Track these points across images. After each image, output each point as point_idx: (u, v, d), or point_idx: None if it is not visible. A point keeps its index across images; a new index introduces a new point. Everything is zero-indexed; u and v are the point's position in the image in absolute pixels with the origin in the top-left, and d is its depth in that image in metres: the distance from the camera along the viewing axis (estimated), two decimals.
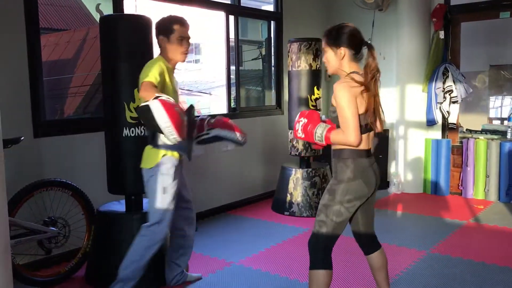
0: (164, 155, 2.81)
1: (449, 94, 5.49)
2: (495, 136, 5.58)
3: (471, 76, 7.08)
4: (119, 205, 3.38)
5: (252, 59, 6.43)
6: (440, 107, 5.58)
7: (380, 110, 2.45)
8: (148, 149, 2.87)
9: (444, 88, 5.49)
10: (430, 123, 5.66)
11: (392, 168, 6.04)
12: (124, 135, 3.11)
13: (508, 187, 5.25)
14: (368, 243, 2.57)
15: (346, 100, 2.24)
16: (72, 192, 3.34)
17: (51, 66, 6.18)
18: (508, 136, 5.51)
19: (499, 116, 7.61)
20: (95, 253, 3.29)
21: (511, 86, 7.42)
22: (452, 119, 5.66)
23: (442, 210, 5.01)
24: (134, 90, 3.08)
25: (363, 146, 2.36)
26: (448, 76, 5.48)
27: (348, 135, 2.27)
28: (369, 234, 2.56)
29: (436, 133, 5.79)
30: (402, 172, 5.86)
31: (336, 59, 2.36)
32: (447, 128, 5.75)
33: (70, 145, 3.71)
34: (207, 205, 4.89)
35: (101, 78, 3.27)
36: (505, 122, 5.93)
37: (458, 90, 5.48)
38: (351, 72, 2.34)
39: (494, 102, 8.28)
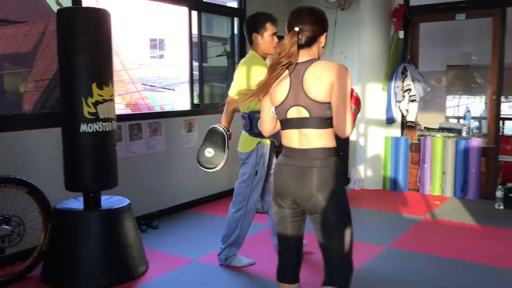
0: (258, 143, 3.26)
1: (408, 93, 5.63)
2: (451, 134, 5.76)
3: (429, 75, 7.28)
4: (76, 203, 3.31)
5: (217, 56, 6.40)
6: (399, 106, 5.71)
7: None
8: (246, 135, 3.31)
9: (403, 87, 5.62)
10: (390, 121, 5.78)
11: (352, 165, 6.14)
12: (81, 131, 3.04)
13: (463, 183, 5.43)
14: (325, 270, 2.12)
15: None
16: (28, 189, 3.25)
17: (7, 59, 5.96)
18: (464, 134, 5.69)
19: (455, 115, 7.87)
20: (51, 251, 3.21)
21: (467, 86, 7.68)
22: (410, 117, 5.80)
23: (400, 206, 5.14)
24: (92, 84, 3.02)
25: (284, 142, 2.11)
26: (407, 75, 5.61)
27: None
28: (325, 260, 2.11)
29: (395, 131, 5.93)
30: (362, 169, 5.98)
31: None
32: (406, 126, 5.89)
33: (26, 141, 3.60)
34: (169, 202, 4.85)
35: (59, 72, 3.18)
36: (461, 121, 6.12)
37: (417, 89, 5.62)
38: None
39: (452, 101, 8.56)
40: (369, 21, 5.69)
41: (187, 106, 5.25)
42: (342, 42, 6.14)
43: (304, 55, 2.06)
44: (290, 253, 2.21)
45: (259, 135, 3.06)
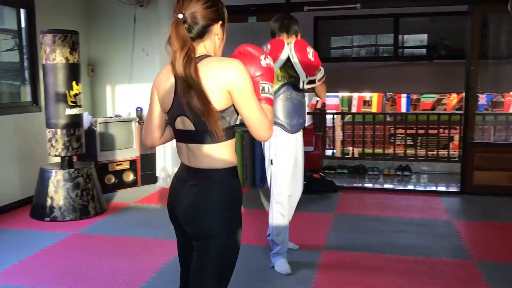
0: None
1: None
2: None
3: None
4: None
5: (6, 50, 5.73)
6: None
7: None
8: None
9: None
10: None
11: (160, 163, 6.13)
12: None
13: (262, 173, 5.87)
14: None
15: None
16: None
17: None
18: None
19: None
20: None
21: None
22: None
23: None
24: None
25: (179, 156, 1.79)
26: None
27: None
28: None
29: None
30: (170, 166, 6.01)
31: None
32: None
33: None
34: None
35: None
36: None
37: None
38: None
39: None
40: (169, 19, 5.72)
41: None
42: (143, 39, 6.06)
43: (197, 50, 1.69)
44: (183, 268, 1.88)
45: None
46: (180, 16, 1.65)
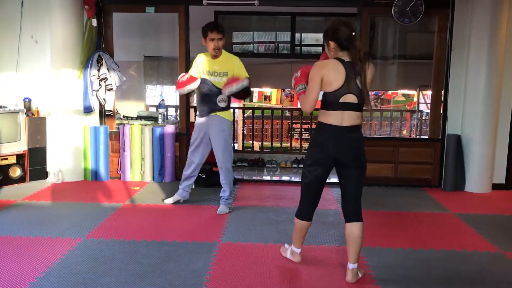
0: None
1: (104, 82, 5.63)
2: (149, 122, 6.05)
3: (128, 65, 7.48)
4: None
5: None
6: (96, 94, 5.66)
7: (363, 90, 2.88)
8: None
9: (99, 76, 5.59)
10: (87, 110, 5.67)
11: (51, 157, 5.80)
12: None
13: (160, 168, 5.80)
14: (347, 212, 3.05)
15: (311, 75, 2.88)
16: None
17: None
18: (159, 122, 6.06)
19: (155, 104, 8.33)
20: None
21: (163, 77, 8.20)
22: (108, 106, 5.83)
23: (101, 195, 5.14)
24: None
25: (332, 121, 2.89)
26: (102, 64, 5.59)
27: (303, 103, 2.96)
28: (348, 205, 3.04)
29: (94, 120, 5.85)
30: (61, 161, 5.71)
31: (328, 50, 3.00)
32: (105, 115, 5.89)
33: None
34: None
35: None
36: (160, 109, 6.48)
37: (113, 78, 5.67)
38: (335, 58, 2.92)
39: (155, 90, 9.01)
40: (59, 5, 5.40)
41: None
42: (32, 26, 5.68)
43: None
44: (315, 198, 3.17)
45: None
46: (354, 33, 2.90)
